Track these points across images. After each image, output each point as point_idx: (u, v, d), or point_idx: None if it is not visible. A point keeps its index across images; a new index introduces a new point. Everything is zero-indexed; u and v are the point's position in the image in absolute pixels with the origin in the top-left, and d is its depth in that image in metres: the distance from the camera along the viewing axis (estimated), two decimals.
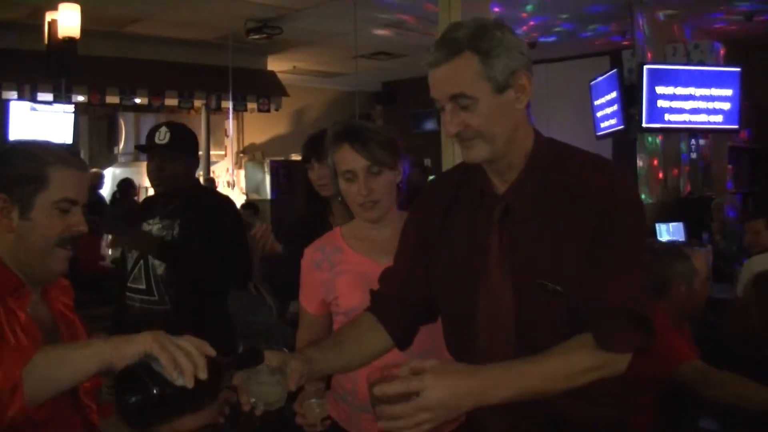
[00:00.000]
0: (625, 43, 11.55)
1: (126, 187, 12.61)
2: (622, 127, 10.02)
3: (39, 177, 2.19)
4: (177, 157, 4.27)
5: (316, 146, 3.88)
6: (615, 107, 10.11)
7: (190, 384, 1.76)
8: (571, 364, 2.10)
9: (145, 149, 4.33)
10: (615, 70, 10.22)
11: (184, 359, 1.75)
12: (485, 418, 2.40)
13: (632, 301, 2.10)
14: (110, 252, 9.73)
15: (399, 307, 2.54)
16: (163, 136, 4.19)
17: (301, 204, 4.16)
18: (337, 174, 2.97)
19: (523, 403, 2.08)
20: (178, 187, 4.33)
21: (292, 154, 14.81)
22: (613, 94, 10.13)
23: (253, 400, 2.16)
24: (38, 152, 2.23)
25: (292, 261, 3.72)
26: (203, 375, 1.77)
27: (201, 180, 13.80)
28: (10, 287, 2.17)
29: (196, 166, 4.62)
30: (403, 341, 2.56)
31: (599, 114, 10.71)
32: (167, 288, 4.17)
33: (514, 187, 2.29)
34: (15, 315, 2.11)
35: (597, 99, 10.73)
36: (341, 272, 2.98)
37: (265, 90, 14.60)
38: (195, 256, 4.14)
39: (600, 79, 10.65)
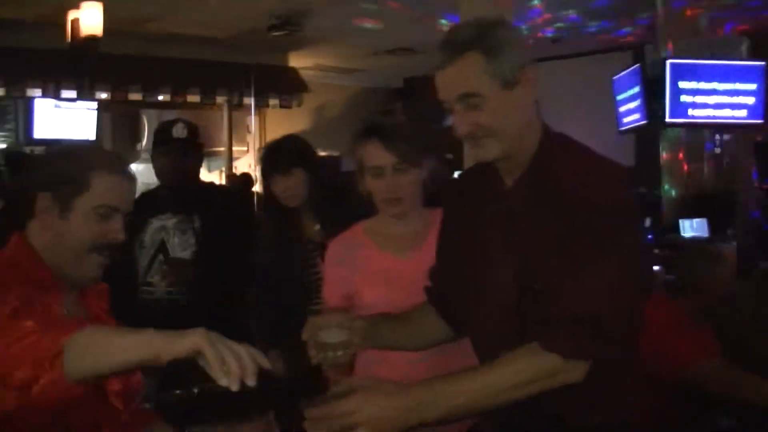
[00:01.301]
0: (647, 38, 11.48)
1: None
2: (645, 122, 9.95)
3: (81, 180, 2.21)
4: (194, 151, 4.30)
5: (274, 159, 3.87)
6: (638, 102, 10.03)
7: (234, 386, 1.68)
8: (514, 375, 2.06)
9: (161, 143, 4.34)
10: (638, 64, 10.15)
11: (232, 361, 1.68)
12: (480, 423, 2.42)
13: (586, 306, 2.05)
14: None
15: (449, 299, 2.56)
16: (181, 131, 4.20)
17: (268, 223, 4.09)
18: (363, 169, 2.97)
19: (518, 405, 2.08)
20: (190, 182, 4.35)
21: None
22: (636, 89, 10.05)
23: (321, 354, 2.19)
24: (84, 156, 2.27)
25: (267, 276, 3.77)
26: (251, 381, 1.69)
27: (223, 176, 13.85)
28: (44, 282, 2.19)
29: (201, 163, 4.67)
30: (461, 330, 2.58)
31: (622, 109, 10.63)
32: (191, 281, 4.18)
33: (517, 184, 2.29)
34: (49, 312, 2.12)
35: (619, 94, 10.66)
36: (363, 267, 2.99)
37: (286, 86, 14.60)
38: (222, 248, 4.15)
39: (623, 74, 10.57)
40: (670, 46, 10.15)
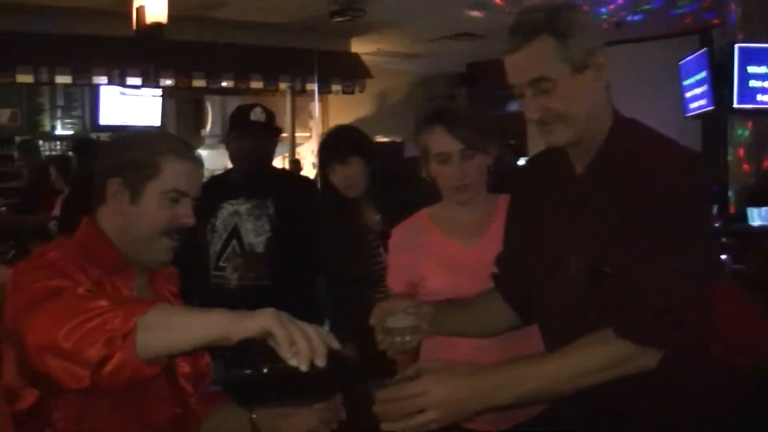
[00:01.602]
0: (716, 21, 11.29)
1: None
2: (712, 107, 9.81)
3: (151, 165, 2.24)
4: (271, 136, 4.30)
5: (332, 148, 3.85)
6: (705, 87, 9.90)
7: (303, 366, 1.68)
8: (587, 361, 2.04)
9: (239, 125, 4.33)
10: (705, 49, 10.01)
11: (302, 341, 1.68)
12: (548, 410, 2.40)
13: (658, 293, 2.02)
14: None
15: (516, 286, 2.55)
16: (259, 115, 4.21)
17: (326, 210, 4.08)
18: (427, 155, 2.96)
19: (588, 394, 2.05)
20: (265, 166, 4.35)
21: (377, 136, 14.81)
22: (703, 74, 9.92)
23: (388, 339, 2.19)
24: (154, 141, 2.30)
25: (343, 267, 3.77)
26: (321, 362, 1.69)
27: (287, 161, 13.93)
28: (115, 266, 2.23)
29: (275, 149, 4.64)
30: (528, 317, 2.58)
31: (688, 94, 10.50)
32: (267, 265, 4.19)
33: (589, 169, 2.26)
34: (120, 293, 2.18)
35: (686, 79, 10.52)
36: (428, 254, 2.99)
37: (349, 72, 14.60)
38: (296, 235, 4.15)
39: (689, 58, 10.43)
40: (739, 30, 9.93)
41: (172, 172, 2.26)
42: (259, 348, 1.75)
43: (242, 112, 4.35)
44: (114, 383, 1.73)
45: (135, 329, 1.70)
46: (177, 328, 1.76)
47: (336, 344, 1.76)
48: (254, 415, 2.39)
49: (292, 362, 1.69)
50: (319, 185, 4.18)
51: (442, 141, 2.89)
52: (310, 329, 1.73)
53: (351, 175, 3.80)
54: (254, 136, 4.24)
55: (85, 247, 2.22)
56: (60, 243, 2.27)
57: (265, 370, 1.73)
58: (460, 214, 3.03)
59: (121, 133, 2.40)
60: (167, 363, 2.19)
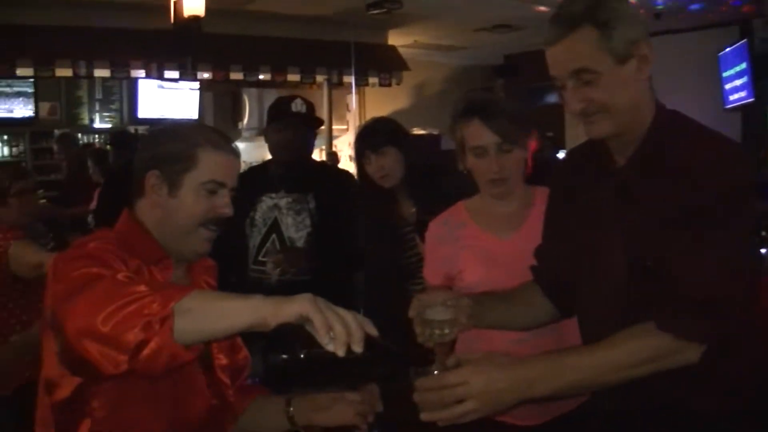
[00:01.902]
0: (752, 11, 11.16)
1: None
2: (752, 99, 9.72)
3: (189, 157, 2.26)
4: (312, 127, 4.28)
5: (369, 138, 3.83)
6: (745, 79, 9.81)
7: (340, 351, 1.69)
8: (628, 354, 2.02)
9: (279, 117, 4.31)
10: (745, 40, 9.90)
11: (339, 326, 1.69)
12: (587, 403, 2.39)
13: (701, 286, 2.00)
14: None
15: (556, 279, 2.54)
16: (300, 106, 4.18)
17: (362, 202, 4.05)
18: (464, 148, 2.94)
19: (630, 387, 2.04)
20: (305, 159, 4.33)
21: (414, 128, 14.81)
22: (743, 66, 9.83)
23: (427, 331, 2.20)
24: (190, 133, 2.31)
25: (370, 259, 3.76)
26: (358, 347, 1.70)
27: (324, 154, 13.95)
28: (153, 257, 2.25)
29: (314, 142, 4.60)
30: (567, 310, 2.57)
31: (728, 86, 10.41)
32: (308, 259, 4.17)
33: (631, 162, 2.24)
34: (158, 281, 2.19)
35: (726, 71, 10.43)
36: (465, 246, 2.98)
37: (386, 64, 14.60)
38: (336, 231, 4.13)
39: (729, 49, 10.34)
40: None
41: (209, 164, 2.27)
42: (296, 333, 1.76)
43: (282, 104, 4.32)
44: (152, 368, 1.74)
45: (172, 314, 1.71)
46: (214, 313, 1.77)
47: (374, 331, 1.77)
48: (291, 408, 2.40)
49: (330, 347, 1.69)
50: (356, 177, 4.16)
51: (478, 134, 2.87)
52: (348, 315, 1.73)
53: (385, 165, 3.79)
54: (295, 128, 4.21)
55: (124, 238, 2.24)
56: (100, 234, 2.30)
57: (302, 356, 1.73)
58: (498, 207, 3.02)
59: (159, 125, 2.40)
60: (205, 355, 2.21)
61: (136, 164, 2.33)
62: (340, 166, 13.10)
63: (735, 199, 2.06)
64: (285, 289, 4.08)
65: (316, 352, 1.73)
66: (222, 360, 2.38)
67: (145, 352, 1.71)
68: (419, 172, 3.86)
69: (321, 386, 2.01)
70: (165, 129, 2.39)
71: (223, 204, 2.31)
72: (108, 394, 2.07)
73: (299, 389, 2.40)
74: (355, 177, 4.41)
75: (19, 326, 4.00)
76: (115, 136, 9.04)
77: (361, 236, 4.10)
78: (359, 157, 3.90)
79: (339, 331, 1.68)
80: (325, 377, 1.89)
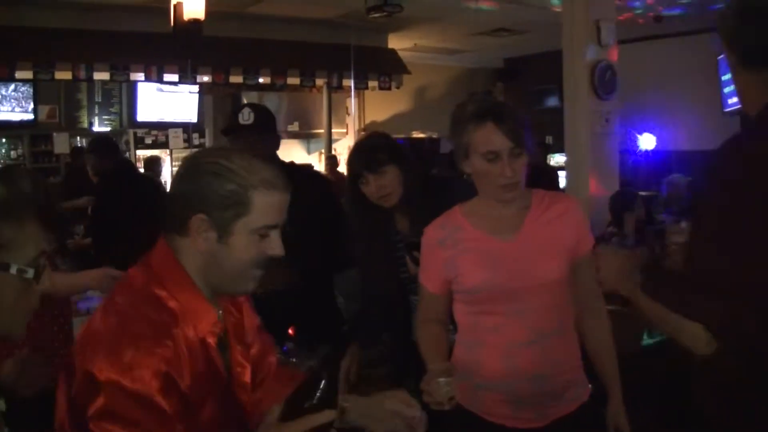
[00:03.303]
0: None
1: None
2: None
3: (242, 202, 2.06)
4: (261, 136, 4.18)
5: (366, 158, 3.64)
6: None
7: None
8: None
9: (230, 131, 4.26)
10: None
11: None
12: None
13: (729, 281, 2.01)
14: None
15: None
16: (247, 117, 4.13)
17: (356, 222, 3.84)
18: (470, 153, 2.91)
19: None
20: None
21: (414, 132, 14.83)
22: None
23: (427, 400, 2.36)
24: (243, 174, 2.07)
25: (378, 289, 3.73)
26: None
27: (323, 158, 13.95)
28: (201, 314, 2.09)
29: (278, 145, 4.45)
30: None
31: (727, 90, 10.38)
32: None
33: None
34: (208, 344, 2.09)
35: (725, 74, 10.40)
36: (464, 250, 2.96)
37: (386, 68, 14.60)
38: (299, 235, 4.06)
39: None
40: None
41: (263, 208, 2.09)
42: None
43: (232, 116, 4.28)
44: None
45: None
46: None
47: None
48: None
49: None
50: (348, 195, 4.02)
51: (492, 138, 2.83)
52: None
53: (386, 185, 3.63)
54: (245, 139, 4.12)
55: (164, 288, 2.07)
56: (136, 287, 2.08)
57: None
58: (496, 210, 2.99)
59: (202, 156, 2.10)
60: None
61: (175, 196, 2.13)
62: (339, 169, 13.13)
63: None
64: (267, 302, 4.06)
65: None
66: (245, 376, 2.27)
67: None
68: (417, 186, 3.72)
69: None
70: (212, 161, 2.10)
71: (275, 246, 2.13)
72: None
73: None
74: (324, 176, 4.37)
75: None
76: (94, 142, 8.91)
77: (343, 237, 4.02)
78: (357, 176, 3.75)
79: None
80: None
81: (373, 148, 3.65)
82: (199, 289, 2.10)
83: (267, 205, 2.09)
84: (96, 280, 3.43)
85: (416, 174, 3.66)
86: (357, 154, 3.73)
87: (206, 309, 2.11)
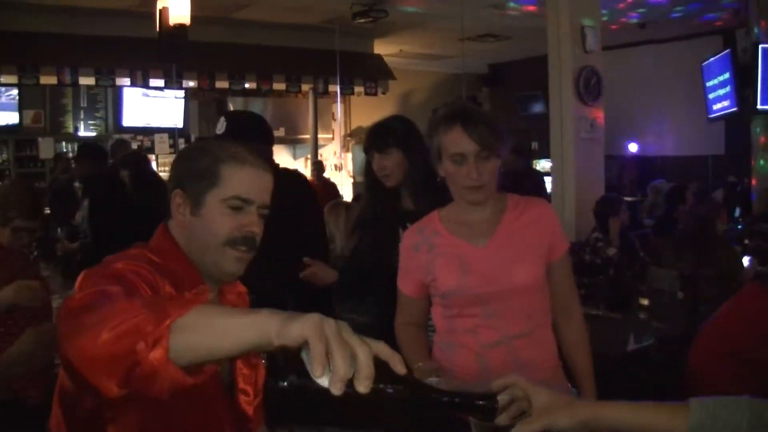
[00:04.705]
0: (738, 21, 11.21)
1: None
2: (735, 109, 9.73)
3: (211, 173, 2.16)
4: (239, 139, 4.21)
5: (375, 136, 3.85)
6: (728, 89, 9.81)
7: (335, 389, 1.36)
8: None
9: (204, 139, 4.31)
10: (728, 50, 9.93)
11: (340, 359, 1.37)
12: None
13: None
14: None
15: None
16: (221, 127, 4.17)
17: (366, 196, 4.07)
18: (442, 155, 2.94)
19: None
20: None
21: None
22: (726, 75, 9.83)
23: None
24: (213, 149, 2.21)
25: (368, 254, 3.75)
26: (362, 387, 1.37)
27: (309, 163, 13.94)
28: (188, 279, 2.14)
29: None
30: None
31: (711, 96, 10.42)
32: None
33: None
34: (162, 293, 2.07)
35: (709, 80, 10.45)
36: (439, 254, 2.99)
37: (371, 73, 14.64)
38: (271, 232, 4.07)
39: (712, 59, 10.35)
40: (763, 30, 9.82)
41: (232, 180, 2.16)
42: (288, 357, 1.47)
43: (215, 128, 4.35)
44: (151, 392, 1.60)
45: (168, 333, 1.55)
46: (215, 331, 1.58)
47: (401, 368, 1.45)
48: None
49: (321, 382, 1.38)
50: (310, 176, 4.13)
51: (458, 141, 2.86)
52: (361, 347, 1.41)
53: (387, 166, 3.78)
54: None
55: (158, 257, 2.14)
56: (133, 252, 2.16)
57: (284, 383, 1.44)
58: (471, 214, 3.02)
59: (187, 145, 2.26)
60: (227, 374, 2.17)
61: (167, 184, 2.26)
62: (325, 175, 13.13)
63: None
64: (258, 303, 4.05)
65: (303, 383, 1.43)
66: (245, 369, 2.28)
67: (138, 374, 1.55)
68: (422, 174, 3.82)
69: (319, 424, 1.77)
70: (191, 147, 2.29)
71: (250, 222, 2.19)
72: (129, 420, 1.96)
73: (286, 425, 2.29)
74: (304, 178, 4.44)
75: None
76: (83, 148, 8.90)
77: (323, 242, 4.09)
78: (366, 152, 3.94)
79: (338, 365, 1.36)
80: (318, 415, 1.63)
81: (386, 129, 3.86)
82: (192, 264, 2.18)
83: (237, 179, 2.17)
84: (14, 292, 3.40)
85: (420, 164, 3.74)
86: (371, 130, 3.97)
87: (199, 281, 2.16)
